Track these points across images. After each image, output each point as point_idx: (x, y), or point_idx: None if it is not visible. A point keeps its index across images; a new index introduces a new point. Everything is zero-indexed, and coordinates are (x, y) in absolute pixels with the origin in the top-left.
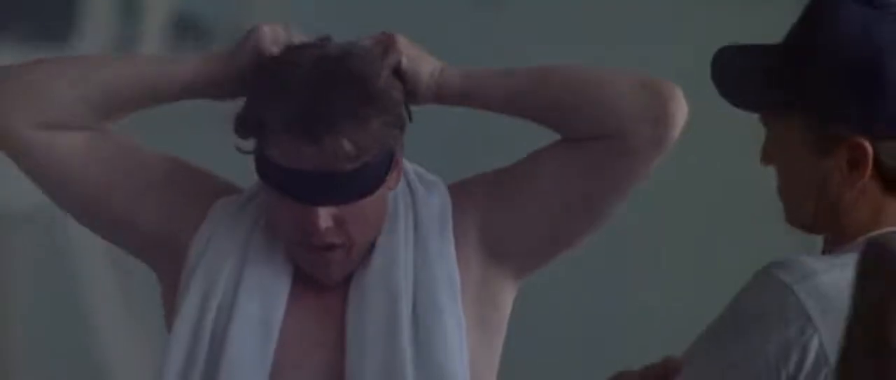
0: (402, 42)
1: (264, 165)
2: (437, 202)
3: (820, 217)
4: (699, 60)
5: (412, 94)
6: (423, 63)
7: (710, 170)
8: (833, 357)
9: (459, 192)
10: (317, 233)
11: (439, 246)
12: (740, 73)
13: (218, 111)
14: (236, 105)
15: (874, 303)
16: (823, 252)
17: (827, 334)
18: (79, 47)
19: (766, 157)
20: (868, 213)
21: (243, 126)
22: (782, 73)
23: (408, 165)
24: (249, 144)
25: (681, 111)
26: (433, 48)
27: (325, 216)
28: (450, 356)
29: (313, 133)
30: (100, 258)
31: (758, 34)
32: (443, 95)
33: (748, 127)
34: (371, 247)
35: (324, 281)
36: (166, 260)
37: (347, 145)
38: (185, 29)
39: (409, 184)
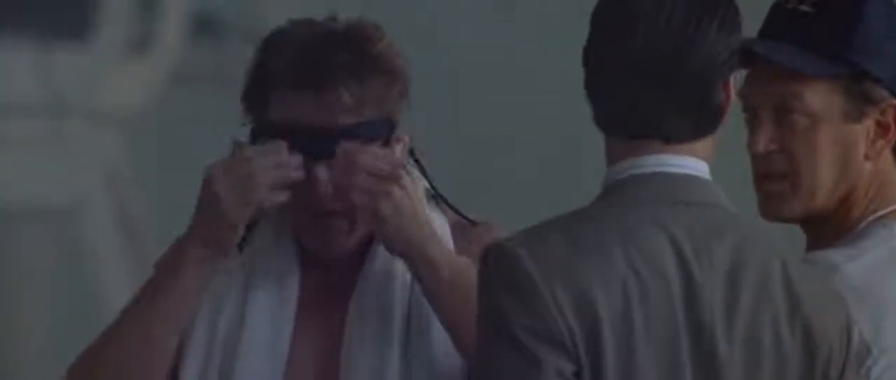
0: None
1: (268, 129)
2: (437, 221)
3: (829, 200)
4: None
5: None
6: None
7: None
8: (875, 346)
9: (467, 235)
10: (317, 195)
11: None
12: (790, 43)
13: (220, 111)
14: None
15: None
16: (813, 242)
17: (864, 324)
18: (95, 45)
19: (769, 140)
20: (874, 190)
21: (249, 87)
22: (830, 40)
23: (417, 175)
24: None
25: None
26: (451, 49)
27: (323, 178)
28: None
29: (313, 82)
30: (116, 258)
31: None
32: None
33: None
34: (373, 252)
35: (328, 255)
36: None
37: (346, 97)
38: (203, 26)
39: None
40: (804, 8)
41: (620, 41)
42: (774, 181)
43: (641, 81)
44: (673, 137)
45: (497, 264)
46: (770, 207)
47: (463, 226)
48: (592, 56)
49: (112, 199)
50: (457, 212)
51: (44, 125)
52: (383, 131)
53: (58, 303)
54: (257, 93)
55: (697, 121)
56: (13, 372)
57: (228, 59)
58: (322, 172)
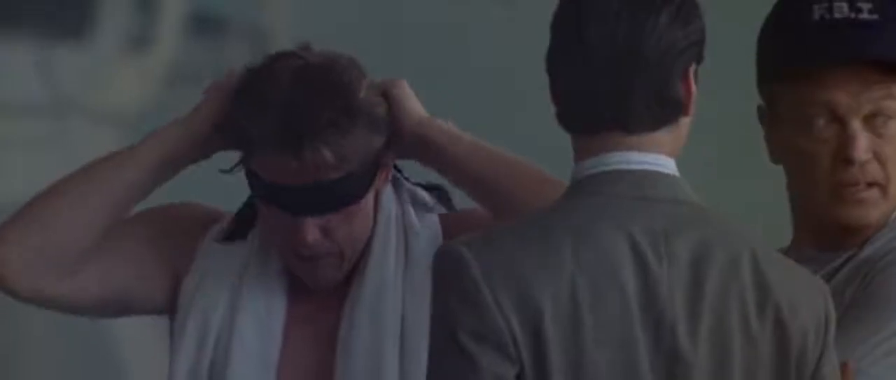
0: (403, 86)
1: (252, 178)
2: (427, 234)
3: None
4: (709, 53)
5: (395, 125)
6: (414, 104)
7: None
8: None
9: (460, 224)
10: (305, 245)
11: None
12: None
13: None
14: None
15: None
16: (839, 244)
17: None
18: (95, 43)
19: (866, 148)
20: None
21: (228, 140)
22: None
23: (402, 179)
24: (232, 159)
25: None
26: (452, 45)
27: (311, 229)
28: None
29: (295, 147)
30: None
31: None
32: (424, 140)
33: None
34: (364, 260)
35: (317, 288)
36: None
37: (329, 157)
38: (201, 25)
39: (401, 205)
40: (864, 16)
41: (575, 39)
42: (864, 188)
43: (599, 74)
44: (634, 127)
45: (444, 265)
46: (861, 214)
47: (450, 215)
48: (551, 59)
49: None
50: (445, 198)
51: (43, 124)
52: (369, 176)
53: None
54: (240, 145)
55: (656, 110)
56: (13, 370)
57: (228, 56)
58: (310, 227)
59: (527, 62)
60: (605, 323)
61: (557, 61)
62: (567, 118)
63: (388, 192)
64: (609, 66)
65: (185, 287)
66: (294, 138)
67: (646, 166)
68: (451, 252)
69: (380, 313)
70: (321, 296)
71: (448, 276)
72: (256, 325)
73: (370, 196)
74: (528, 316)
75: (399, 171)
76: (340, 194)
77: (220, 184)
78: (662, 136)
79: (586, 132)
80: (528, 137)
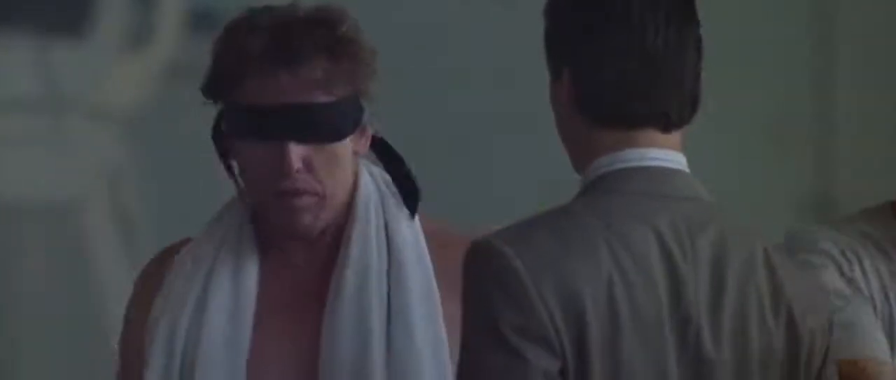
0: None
1: (236, 117)
2: (409, 235)
3: None
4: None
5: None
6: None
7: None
8: None
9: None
10: (289, 174)
11: (414, 260)
12: None
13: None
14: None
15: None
16: None
17: None
18: (93, 41)
19: None
20: None
21: (214, 79)
22: None
23: (376, 171)
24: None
25: None
26: (452, 45)
27: (296, 156)
28: None
29: (288, 62)
30: (114, 253)
31: (771, 38)
32: None
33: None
34: (346, 255)
35: (296, 232)
36: None
37: (320, 72)
38: (200, 21)
39: (379, 192)
40: None
41: (628, 35)
42: None
43: (653, 71)
44: (670, 126)
45: (485, 262)
46: None
47: (446, 241)
48: (589, 50)
49: (110, 194)
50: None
51: (41, 121)
52: (354, 117)
53: (56, 299)
54: (228, 77)
55: (689, 110)
56: (11, 368)
57: None
58: (295, 155)
59: (527, 62)
60: (640, 322)
61: (601, 56)
62: (597, 109)
63: (365, 177)
64: (664, 65)
65: (154, 304)
66: (288, 52)
67: (664, 163)
68: (492, 248)
69: (365, 302)
70: (303, 284)
71: (489, 272)
72: (226, 308)
73: (350, 144)
74: (570, 312)
75: (391, 157)
76: (327, 124)
77: (218, 186)
78: (678, 134)
79: (614, 126)
80: (527, 138)
